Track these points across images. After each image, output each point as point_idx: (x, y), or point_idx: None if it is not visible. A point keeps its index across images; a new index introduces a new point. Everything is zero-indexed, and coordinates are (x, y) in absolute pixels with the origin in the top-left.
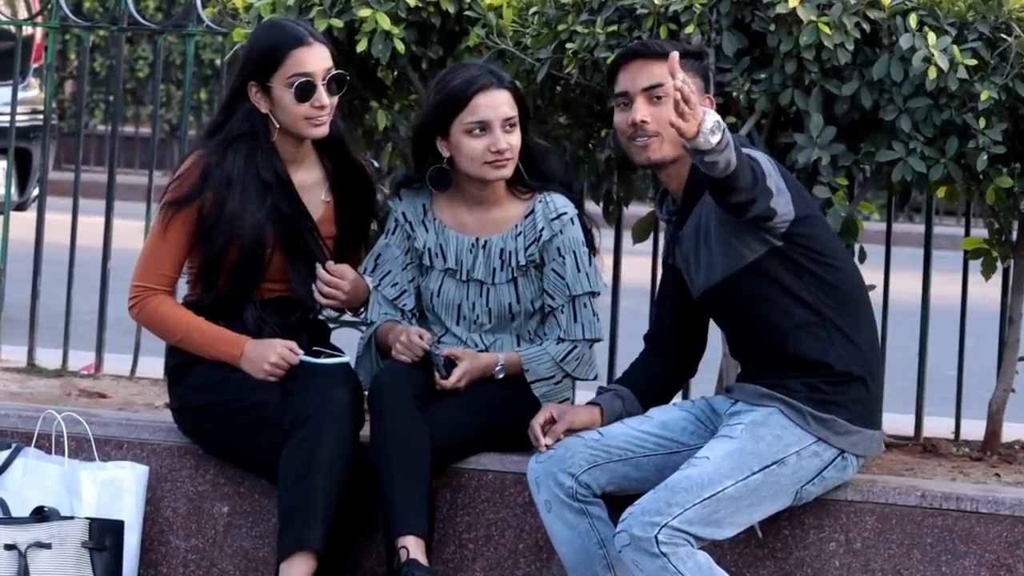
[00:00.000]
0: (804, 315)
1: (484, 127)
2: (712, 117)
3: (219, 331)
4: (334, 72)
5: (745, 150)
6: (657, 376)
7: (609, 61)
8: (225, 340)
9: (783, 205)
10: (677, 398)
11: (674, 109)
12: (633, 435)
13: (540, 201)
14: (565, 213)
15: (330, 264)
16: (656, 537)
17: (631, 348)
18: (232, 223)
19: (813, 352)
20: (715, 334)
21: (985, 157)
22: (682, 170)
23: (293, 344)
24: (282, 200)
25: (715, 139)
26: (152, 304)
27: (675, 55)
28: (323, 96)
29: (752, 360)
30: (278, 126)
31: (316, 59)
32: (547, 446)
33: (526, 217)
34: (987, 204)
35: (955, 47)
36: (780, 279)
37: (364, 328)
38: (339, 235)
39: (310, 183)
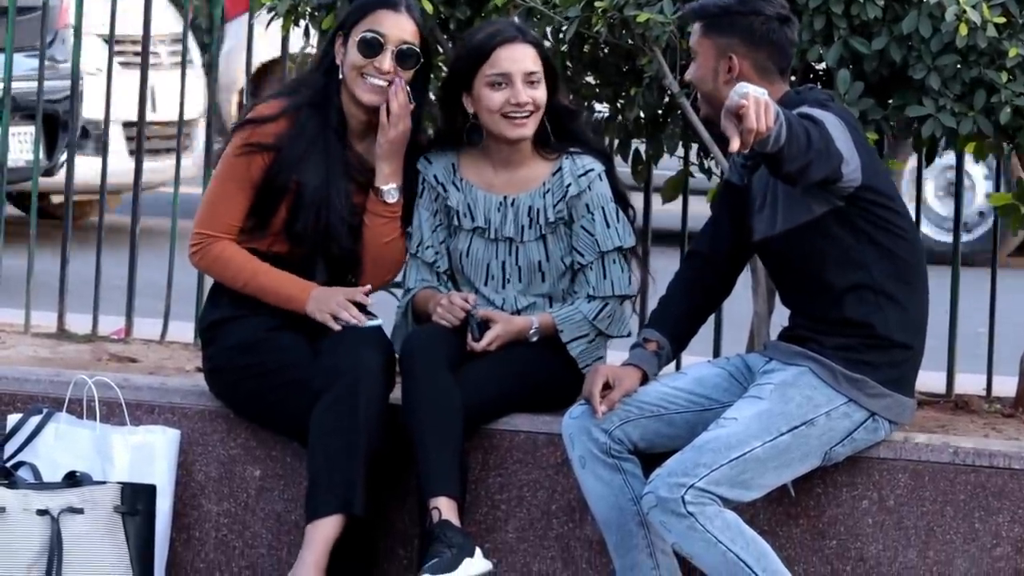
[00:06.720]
0: (857, 277)
1: (505, 80)
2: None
3: (284, 274)
4: (405, 46)
5: (816, 110)
6: (697, 313)
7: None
8: (293, 282)
9: (851, 171)
10: (710, 354)
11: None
12: (666, 392)
13: (567, 158)
14: (592, 169)
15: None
16: (683, 498)
17: None
18: (295, 168)
19: (859, 313)
20: (745, 295)
21: (1008, 110)
22: None
23: (361, 290)
24: (340, 154)
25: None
26: (216, 250)
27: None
28: (386, 60)
29: (798, 311)
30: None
31: (394, 24)
32: (603, 413)
33: (553, 174)
34: (1018, 161)
35: (984, 4)
36: (838, 239)
37: (399, 294)
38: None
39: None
